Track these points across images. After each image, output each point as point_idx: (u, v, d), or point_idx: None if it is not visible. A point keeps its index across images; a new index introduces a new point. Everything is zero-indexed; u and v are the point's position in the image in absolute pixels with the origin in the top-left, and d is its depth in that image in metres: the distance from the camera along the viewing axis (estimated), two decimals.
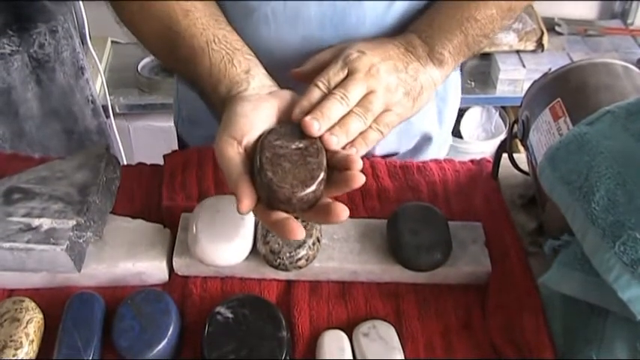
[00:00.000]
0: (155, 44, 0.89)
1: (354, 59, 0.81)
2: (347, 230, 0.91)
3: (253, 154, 0.73)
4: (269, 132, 0.74)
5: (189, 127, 1.24)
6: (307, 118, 0.73)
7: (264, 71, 0.83)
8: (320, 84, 0.79)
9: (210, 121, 0.86)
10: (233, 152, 0.73)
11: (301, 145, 0.72)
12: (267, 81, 0.82)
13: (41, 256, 0.81)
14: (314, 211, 0.71)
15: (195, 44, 0.82)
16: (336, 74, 0.80)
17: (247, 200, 0.69)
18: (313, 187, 0.69)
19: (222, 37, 0.83)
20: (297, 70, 0.87)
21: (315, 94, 0.78)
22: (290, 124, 0.75)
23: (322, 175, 0.70)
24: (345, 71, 0.80)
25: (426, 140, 1.19)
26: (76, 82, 1.82)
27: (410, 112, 0.86)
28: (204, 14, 0.85)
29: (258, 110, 0.76)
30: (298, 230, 0.68)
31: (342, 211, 0.69)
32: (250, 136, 0.74)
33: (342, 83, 0.79)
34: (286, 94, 0.80)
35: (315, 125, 0.73)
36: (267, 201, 0.70)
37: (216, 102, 0.81)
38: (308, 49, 0.92)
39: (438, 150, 1.24)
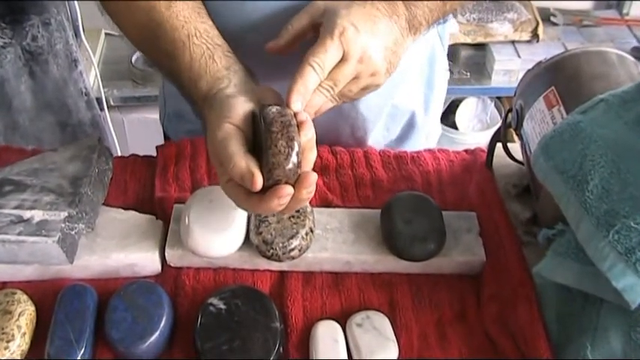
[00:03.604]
0: (138, 37, 0.88)
1: (349, 40, 0.78)
2: (340, 220, 0.90)
3: (256, 130, 0.73)
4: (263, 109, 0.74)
5: (176, 122, 1.23)
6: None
7: (243, 67, 0.83)
8: (315, 66, 0.76)
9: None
10: (236, 134, 0.72)
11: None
12: (247, 78, 0.81)
13: (33, 248, 0.81)
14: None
15: (177, 37, 0.82)
16: (332, 56, 0.78)
17: (260, 175, 0.69)
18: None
19: (204, 32, 0.83)
20: (272, 45, 0.85)
21: (311, 78, 0.76)
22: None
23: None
24: (341, 53, 0.78)
25: (410, 127, 1.19)
26: (69, 74, 1.81)
27: (381, 85, 0.85)
28: (186, 6, 0.84)
29: (244, 100, 0.76)
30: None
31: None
32: (245, 120, 0.74)
33: (334, 73, 0.78)
34: (266, 91, 0.79)
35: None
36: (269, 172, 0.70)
37: (197, 97, 0.80)
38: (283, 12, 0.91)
39: (426, 139, 1.24)
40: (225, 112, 0.74)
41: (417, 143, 1.21)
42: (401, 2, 0.85)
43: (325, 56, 0.77)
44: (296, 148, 0.69)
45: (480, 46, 2.36)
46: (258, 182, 0.68)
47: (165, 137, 1.29)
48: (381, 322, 0.81)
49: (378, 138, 1.15)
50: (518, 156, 0.99)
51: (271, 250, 0.83)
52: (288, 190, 0.69)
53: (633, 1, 2.51)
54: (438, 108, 1.26)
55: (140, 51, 0.91)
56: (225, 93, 0.77)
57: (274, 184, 0.69)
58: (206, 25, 0.84)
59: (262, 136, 0.70)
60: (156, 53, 0.86)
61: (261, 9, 0.93)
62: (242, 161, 0.69)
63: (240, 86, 0.79)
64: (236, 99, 0.76)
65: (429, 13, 0.87)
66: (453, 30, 2.25)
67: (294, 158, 0.69)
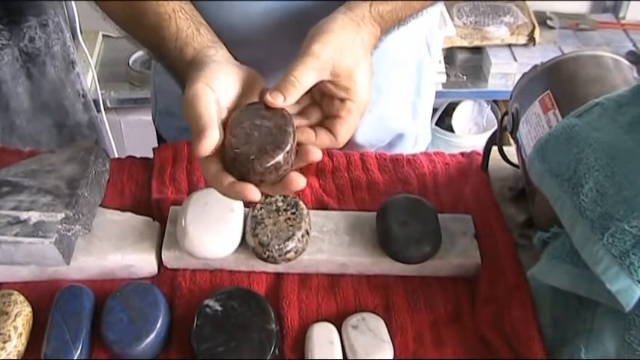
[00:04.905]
0: (121, 13, 0.88)
1: (356, 103, 0.78)
2: (336, 223, 0.91)
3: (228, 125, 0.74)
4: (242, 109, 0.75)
5: (167, 119, 1.23)
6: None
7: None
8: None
9: None
10: (210, 97, 0.72)
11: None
12: (230, 56, 0.82)
13: (30, 249, 0.81)
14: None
15: (163, 10, 0.83)
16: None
17: (211, 140, 0.69)
18: (280, 157, 0.71)
19: (189, 10, 0.84)
20: (275, 100, 0.74)
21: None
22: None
23: (289, 146, 0.71)
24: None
25: (399, 135, 1.19)
26: (66, 76, 1.81)
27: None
28: None
29: (230, 71, 0.77)
30: (251, 191, 0.69)
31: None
32: (225, 92, 0.75)
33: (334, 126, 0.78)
34: (251, 70, 0.79)
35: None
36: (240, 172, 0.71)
37: (182, 63, 0.80)
38: (272, 20, 0.92)
39: (415, 146, 1.24)
40: (204, 73, 0.74)
41: (406, 150, 1.21)
42: (376, 25, 0.83)
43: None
44: (293, 152, 0.71)
45: (477, 50, 2.36)
46: (208, 140, 0.68)
47: (158, 135, 1.29)
48: (377, 323, 0.81)
49: (365, 146, 1.15)
50: (514, 159, 0.99)
51: (267, 252, 0.83)
52: (255, 195, 0.69)
53: (629, 5, 2.51)
54: (427, 114, 1.26)
55: (123, 29, 0.91)
56: (212, 59, 0.78)
57: (268, 171, 0.70)
58: (190, 7, 0.85)
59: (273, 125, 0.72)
60: (140, 30, 0.86)
61: (239, 10, 0.93)
62: (205, 117, 0.69)
63: (226, 57, 0.80)
64: (221, 65, 0.76)
65: (389, 31, 0.87)
66: (449, 33, 2.25)
67: (290, 159, 0.71)
